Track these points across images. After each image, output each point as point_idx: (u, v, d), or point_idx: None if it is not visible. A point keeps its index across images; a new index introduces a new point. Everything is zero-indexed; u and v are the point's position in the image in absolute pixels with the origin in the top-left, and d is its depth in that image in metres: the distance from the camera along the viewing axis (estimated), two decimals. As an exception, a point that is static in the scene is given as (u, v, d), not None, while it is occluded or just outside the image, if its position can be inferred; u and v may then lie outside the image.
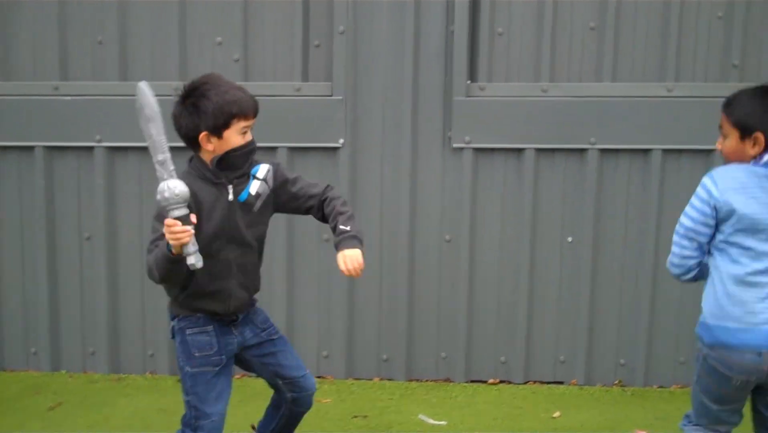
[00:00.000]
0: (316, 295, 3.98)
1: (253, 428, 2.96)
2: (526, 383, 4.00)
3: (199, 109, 2.39)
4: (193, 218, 2.31)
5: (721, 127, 2.46)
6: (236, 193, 2.49)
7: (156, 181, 2.28)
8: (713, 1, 3.74)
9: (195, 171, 2.48)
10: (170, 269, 2.34)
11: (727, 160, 2.45)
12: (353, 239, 2.52)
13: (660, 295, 3.88)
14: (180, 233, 2.24)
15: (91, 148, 3.88)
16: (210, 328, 2.56)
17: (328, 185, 2.66)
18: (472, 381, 4.01)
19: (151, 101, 2.27)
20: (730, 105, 2.44)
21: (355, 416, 3.59)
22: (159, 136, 2.27)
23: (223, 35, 3.82)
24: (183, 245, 2.26)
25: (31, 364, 4.09)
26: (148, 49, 3.86)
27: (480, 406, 3.75)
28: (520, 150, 3.83)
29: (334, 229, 2.55)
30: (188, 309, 2.55)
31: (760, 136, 2.34)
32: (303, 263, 3.95)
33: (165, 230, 2.25)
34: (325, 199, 2.61)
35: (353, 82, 3.80)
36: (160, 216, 2.33)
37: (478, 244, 3.91)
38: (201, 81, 2.45)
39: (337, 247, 2.52)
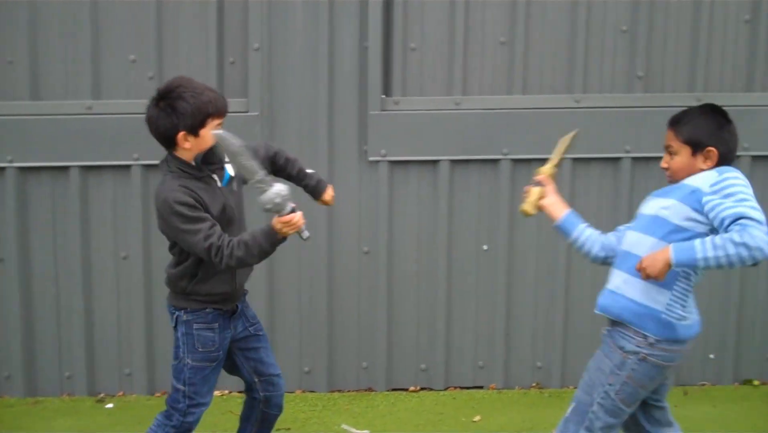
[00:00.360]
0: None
1: None
2: (446, 389, 4.09)
3: (176, 111, 2.54)
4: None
5: (668, 146, 2.52)
6: (220, 179, 2.68)
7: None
8: (618, 16, 3.87)
9: (179, 172, 2.60)
10: (272, 252, 2.59)
11: (675, 177, 2.50)
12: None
13: (573, 298, 4.01)
14: (298, 221, 2.52)
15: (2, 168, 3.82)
16: (216, 325, 2.72)
17: (266, 142, 2.91)
18: (394, 389, 4.08)
19: (232, 142, 2.48)
20: (678, 123, 2.51)
21: (278, 430, 3.62)
22: (248, 162, 2.49)
23: (136, 53, 3.79)
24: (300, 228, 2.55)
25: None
26: (60, 68, 3.79)
27: (402, 414, 3.83)
28: (435, 162, 3.90)
29: (301, 172, 2.91)
30: (197, 300, 2.68)
31: (713, 150, 2.43)
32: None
33: (285, 225, 2.49)
34: (274, 155, 2.87)
35: (269, 98, 3.82)
36: (194, 209, 2.53)
37: (396, 255, 3.98)
38: (174, 84, 2.59)
39: (320, 184, 2.94)
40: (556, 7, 3.84)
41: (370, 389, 4.08)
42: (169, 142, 2.61)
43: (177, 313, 2.72)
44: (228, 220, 2.67)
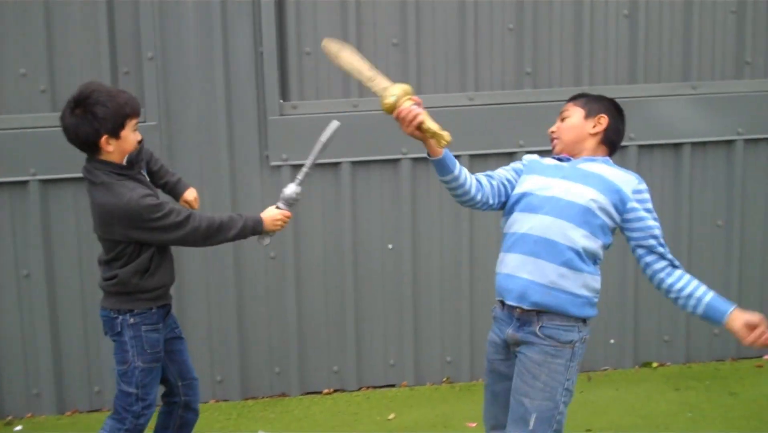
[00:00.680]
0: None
1: None
2: (359, 389, 4.12)
3: (96, 116, 2.58)
4: None
5: (562, 112, 2.58)
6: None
7: None
8: (504, 15, 4.01)
9: (113, 176, 2.66)
10: (244, 238, 2.85)
11: (561, 140, 2.54)
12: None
13: (478, 292, 4.11)
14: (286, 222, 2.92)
15: None
16: (160, 326, 2.80)
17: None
18: (308, 393, 4.09)
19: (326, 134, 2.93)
20: (580, 95, 2.62)
21: (192, 441, 3.59)
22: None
23: (26, 66, 3.73)
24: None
25: None
26: (-53, 83, 3.72)
27: (317, 416, 3.84)
28: (336, 164, 3.95)
29: (162, 169, 3.05)
30: (144, 299, 2.74)
31: (604, 117, 2.51)
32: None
33: (282, 219, 2.90)
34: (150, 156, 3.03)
35: (166, 107, 3.81)
36: (158, 205, 2.65)
37: (303, 258, 4.01)
38: (88, 90, 2.63)
39: (180, 182, 3.08)
40: (444, 7, 3.96)
41: (283, 395, 4.07)
42: (91, 147, 2.65)
43: (122, 317, 2.74)
44: None
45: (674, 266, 2.45)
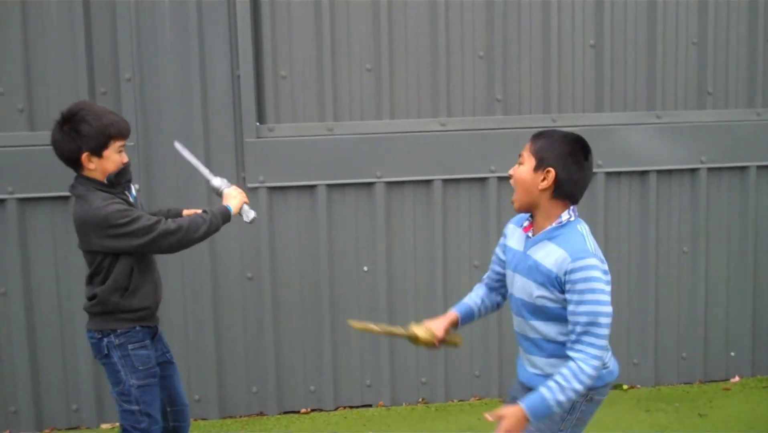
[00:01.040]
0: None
1: None
2: (336, 409, 4.14)
3: (80, 133, 2.67)
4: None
5: (520, 155, 2.42)
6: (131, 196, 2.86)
7: None
8: (475, 43, 4.13)
9: (91, 189, 2.71)
10: (219, 228, 2.92)
11: (515, 186, 2.41)
12: None
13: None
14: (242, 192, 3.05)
15: None
16: (148, 342, 2.81)
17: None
18: (285, 412, 4.10)
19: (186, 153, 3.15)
20: (538, 137, 2.41)
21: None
22: (202, 167, 3.13)
23: (4, 86, 3.78)
24: (245, 203, 3.05)
25: None
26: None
27: (294, 436, 3.84)
28: (312, 186, 4.02)
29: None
30: (126, 319, 2.75)
31: (551, 172, 2.32)
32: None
33: (240, 194, 3.06)
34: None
35: (144, 128, 3.87)
36: (127, 211, 2.69)
37: (279, 279, 4.05)
38: (77, 108, 2.73)
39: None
40: (417, 35, 4.07)
41: (261, 414, 4.07)
42: (74, 163, 2.73)
43: (107, 339, 2.76)
44: None
45: (570, 353, 2.30)
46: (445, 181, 4.12)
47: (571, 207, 2.38)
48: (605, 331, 2.26)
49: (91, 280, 2.78)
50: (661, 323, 4.38)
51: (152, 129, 3.88)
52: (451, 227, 4.14)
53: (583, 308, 2.25)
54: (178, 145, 3.19)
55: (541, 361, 2.42)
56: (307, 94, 4.02)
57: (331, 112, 4.02)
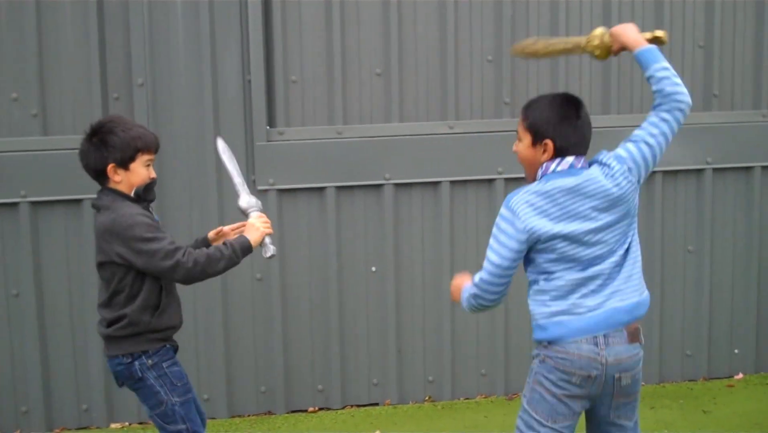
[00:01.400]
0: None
1: None
2: (344, 407, 4.20)
3: (107, 144, 2.65)
4: None
5: (517, 131, 2.45)
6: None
7: None
8: (483, 46, 4.16)
9: (117, 200, 2.67)
10: (238, 262, 2.78)
11: (522, 163, 2.46)
12: None
13: (460, 314, 4.20)
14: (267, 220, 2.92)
15: None
16: (177, 359, 2.80)
17: None
18: (293, 411, 4.16)
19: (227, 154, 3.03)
20: (528, 108, 2.42)
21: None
22: (236, 168, 3.02)
23: (18, 91, 3.82)
24: (268, 234, 2.87)
25: None
26: (-61, 108, 3.79)
27: (302, 435, 3.91)
28: (321, 189, 4.06)
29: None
30: (156, 339, 2.72)
31: (549, 143, 2.35)
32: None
33: (262, 222, 2.89)
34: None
35: (155, 133, 3.86)
36: (154, 228, 2.64)
37: (289, 280, 4.10)
38: (106, 120, 2.75)
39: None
40: (426, 39, 4.10)
41: (270, 413, 4.14)
42: (99, 174, 2.70)
43: (138, 362, 2.68)
44: None
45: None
46: (453, 183, 4.16)
47: (575, 157, 2.39)
48: (487, 269, 2.42)
49: (110, 301, 2.69)
50: (666, 321, 4.44)
51: (164, 134, 3.89)
52: (458, 228, 4.19)
53: None
54: (220, 145, 3.06)
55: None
56: (317, 98, 4.06)
57: (341, 116, 4.06)
